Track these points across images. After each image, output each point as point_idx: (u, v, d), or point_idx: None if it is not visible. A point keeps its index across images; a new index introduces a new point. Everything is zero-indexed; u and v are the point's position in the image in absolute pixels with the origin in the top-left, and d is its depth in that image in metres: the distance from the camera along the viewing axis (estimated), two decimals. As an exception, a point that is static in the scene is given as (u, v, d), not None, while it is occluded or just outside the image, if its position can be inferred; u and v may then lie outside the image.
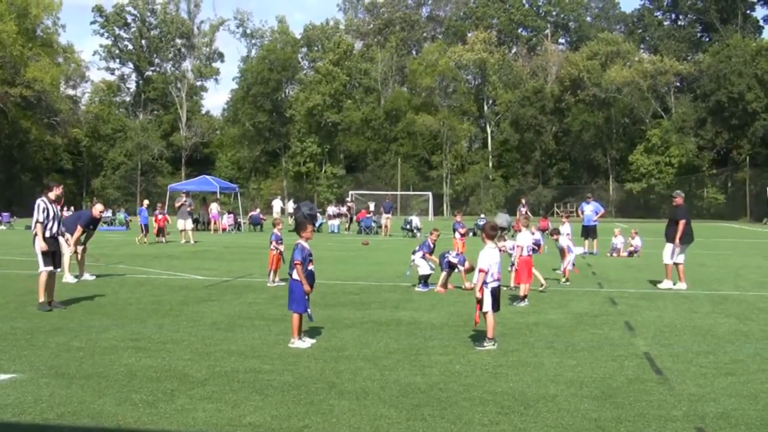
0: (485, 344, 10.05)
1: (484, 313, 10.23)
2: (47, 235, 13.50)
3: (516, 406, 7.35)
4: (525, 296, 14.51)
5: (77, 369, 8.68)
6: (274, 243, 17.69)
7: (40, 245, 13.40)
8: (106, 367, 8.79)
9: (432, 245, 17.57)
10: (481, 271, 10.28)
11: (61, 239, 14.42)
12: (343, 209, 51.77)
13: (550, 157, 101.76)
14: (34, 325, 11.65)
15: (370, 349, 9.97)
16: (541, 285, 16.38)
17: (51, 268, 13.52)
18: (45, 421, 6.76)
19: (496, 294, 10.31)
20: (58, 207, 14.05)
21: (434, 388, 7.95)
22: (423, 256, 17.15)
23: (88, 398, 7.46)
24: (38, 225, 13.44)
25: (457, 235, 23.01)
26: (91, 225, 18.99)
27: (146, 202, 38.10)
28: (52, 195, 13.78)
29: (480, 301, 10.24)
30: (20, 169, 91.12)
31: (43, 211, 13.50)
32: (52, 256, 13.64)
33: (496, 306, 10.34)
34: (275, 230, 18.20)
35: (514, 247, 15.54)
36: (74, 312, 13.00)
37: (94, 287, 16.74)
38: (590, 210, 29.83)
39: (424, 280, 16.95)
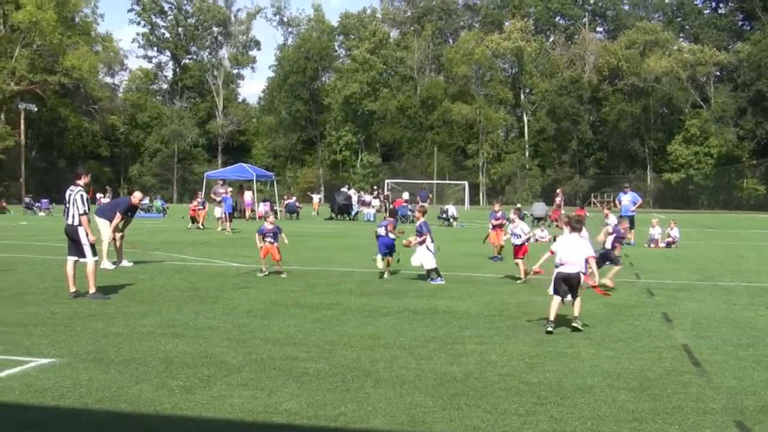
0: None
1: (550, 295, 10.97)
2: (73, 222, 13.04)
3: (552, 396, 7.30)
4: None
5: (115, 354, 8.76)
6: (258, 235, 17.24)
7: (93, 237, 13.14)
8: (143, 353, 8.87)
9: (416, 223, 17.39)
10: (550, 252, 11.09)
11: (101, 223, 14.24)
12: (369, 197, 51.67)
13: (587, 146, 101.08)
14: (72, 310, 11.77)
15: (406, 338, 9.97)
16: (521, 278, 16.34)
17: (84, 258, 13.12)
18: (84, 406, 6.84)
19: (563, 280, 10.72)
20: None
21: (470, 378, 7.93)
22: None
23: (125, 383, 7.53)
24: (84, 217, 12.97)
25: (492, 224, 22.52)
26: (129, 212, 19.08)
27: (230, 189, 36.53)
28: (81, 182, 13.28)
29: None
30: (57, 156, 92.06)
31: (85, 202, 13.05)
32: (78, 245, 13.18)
33: (563, 292, 10.72)
34: (265, 223, 17.61)
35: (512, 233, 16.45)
36: (112, 298, 13.12)
37: (131, 274, 16.89)
38: (628, 200, 29.59)
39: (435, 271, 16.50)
